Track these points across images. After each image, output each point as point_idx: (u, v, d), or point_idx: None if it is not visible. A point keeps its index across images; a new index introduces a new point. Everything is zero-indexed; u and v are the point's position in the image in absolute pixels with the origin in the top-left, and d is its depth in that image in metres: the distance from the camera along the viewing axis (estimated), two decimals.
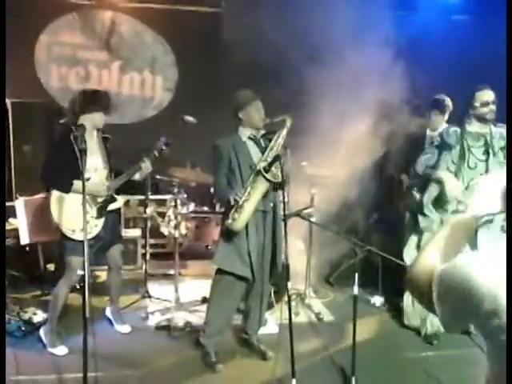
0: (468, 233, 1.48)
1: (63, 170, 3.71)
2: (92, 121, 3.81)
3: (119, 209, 4.31)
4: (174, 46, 6.73)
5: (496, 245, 1.34)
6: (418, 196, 4.24)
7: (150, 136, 4.24)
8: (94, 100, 3.84)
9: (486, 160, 3.96)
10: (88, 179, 3.74)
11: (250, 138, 3.69)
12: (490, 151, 3.95)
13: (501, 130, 3.98)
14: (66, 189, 3.76)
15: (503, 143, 3.95)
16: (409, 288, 1.48)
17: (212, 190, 5.19)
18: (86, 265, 2.74)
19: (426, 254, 1.41)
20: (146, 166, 3.96)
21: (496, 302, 1.17)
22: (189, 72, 6.54)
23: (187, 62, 6.56)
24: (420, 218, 4.14)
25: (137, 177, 4.04)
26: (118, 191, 4.10)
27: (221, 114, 5.51)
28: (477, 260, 1.26)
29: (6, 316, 4.11)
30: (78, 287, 4.70)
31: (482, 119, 3.94)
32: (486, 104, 3.90)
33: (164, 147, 4.04)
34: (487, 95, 3.91)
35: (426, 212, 4.09)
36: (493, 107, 3.91)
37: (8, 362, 3.60)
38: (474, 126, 3.99)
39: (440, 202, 4.03)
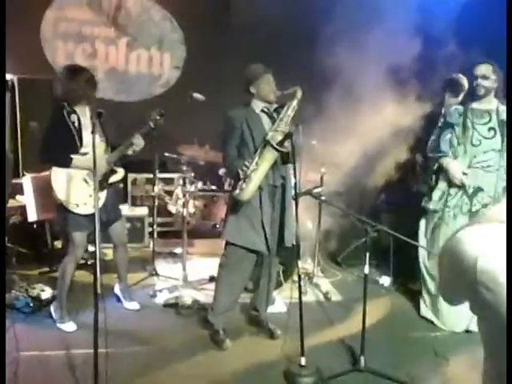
0: None
1: (60, 147, 3.71)
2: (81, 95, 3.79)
3: (119, 186, 4.26)
4: (181, 23, 6.65)
5: None
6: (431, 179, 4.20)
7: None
8: (79, 74, 3.81)
9: (493, 137, 3.90)
10: (85, 154, 3.72)
11: (263, 110, 3.65)
12: (497, 128, 3.90)
13: (503, 108, 3.95)
14: (65, 164, 3.75)
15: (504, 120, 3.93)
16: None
17: (220, 170, 5.15)
18: (97, 240, 2.72)
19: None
20: (138, 141, 3.90)
21: (475, 274, 1.12)
22: (197, 49, 6.47)
23: (195, 40, 6.49)
24: (430, 200, 4.11)
25: (129, 152, 3.97)
26: (125, 168, 4.07)
27: (229, 92, 5.48)
28: (474, 232, 1.19)
29: (15, 292, 4.12)
30: (86, 264, 4.73)
31: (479, 93, 3.90)
32: (483, 77, 3.85)
33: (158, 117, 3.97)
34: (484, 69, 3.86)
35: (435, 197, 4.07)
36: (489, 82, 3.86)
37: (14, 338, 3.62)
38: (478, 103, 3.94)
39: (451, 186, 4.00)
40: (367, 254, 3.38)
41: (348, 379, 3.31)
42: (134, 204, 6.03)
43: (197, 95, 4.59)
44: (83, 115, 3.82)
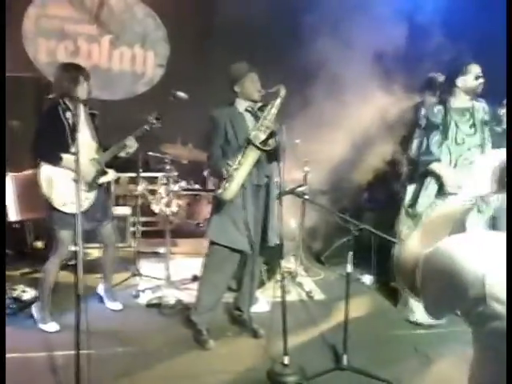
0: (457, 217, 1.43)
1: (52, 144, 3.70)
2: (81, 93, 3.79)
3: (110, 186, 4.25)
4: (165, 21, 6.62)
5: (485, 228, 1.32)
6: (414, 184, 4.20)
7: (142, 112, 4.18)
8: (76, 71, 3.82)
9: (474, 134, 3.96)
10: (76, 153, 3.69)
11: (247, 110, 3.65)
12: (477, 124, 3.96)
13: (483, 105, 4.02)
14: (56, 162, 3.73)
15: (486, 117, 3.98)
16: (396, 274, 1.45)
17: (205, 172, 5.14)
18: (79, 241, 2.69)
19: (412, 240, 1.38)
20: (131, 143, 3.91)
21: (483, 287, 1.10)
22: (181, 47, 6.44)
23: (179, 37, 6.46)
24: (415, 204, 4.13)
25: (122, 154, 3.98)
26: (108, 166, 4.05)
27: (213, 90, 5.47)
28: (462, 244, 1.19)
29: None
30: (68, 265, 4.69)
31: (470, 93, 3.95)
32: (478, 77, 3.91)
33: (155, 121, 3.98)
34: (477, 68, 3.92)
35: (422, 201, 4.07)
36: (482, 81, 3.93)
37: None
38: (458, 101, 3.99)
39: (441, 192, 4.00)
40: (350, 253, 3.40)
41: (331, 378, 3.33)
42: (116, 203, 5.99)
43: (180, 94, 4.55)
44: (78, 114, 3.79)
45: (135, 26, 6.59)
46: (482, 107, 4.00)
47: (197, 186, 5.26)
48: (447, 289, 1.17)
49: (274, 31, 6.17)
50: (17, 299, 4.08)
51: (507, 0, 4.36)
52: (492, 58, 4.28)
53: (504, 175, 1.38)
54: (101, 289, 4.31)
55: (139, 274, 4.84)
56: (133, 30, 6.58)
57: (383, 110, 4.80)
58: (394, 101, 4.76)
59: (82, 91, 3.80)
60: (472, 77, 3.90)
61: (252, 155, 3.48)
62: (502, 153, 1.42)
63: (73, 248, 2.78)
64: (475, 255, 1.13)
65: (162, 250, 5.36)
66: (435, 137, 4.02)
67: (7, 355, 3.38)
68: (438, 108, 4.03)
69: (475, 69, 3.91)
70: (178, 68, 6.39)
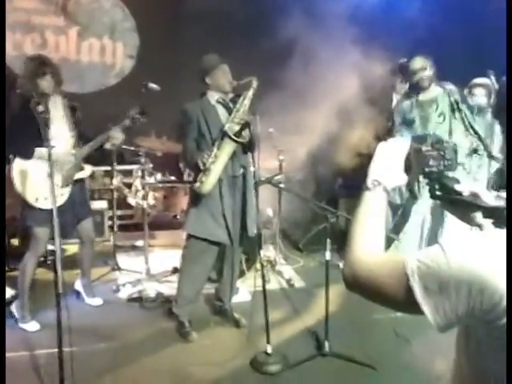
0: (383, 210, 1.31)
1: (23, 137, 3.63)
2: (44, 86, 3.73)
3: (84, 180, 4.19)
4: (133, 11, 6.53)
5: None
6: None
7: (114, 104, 4.14)
8: (43, 63, 3.77)
9: (443, 122, 4.05)
10: (52, 147, 3.65)
11: (218, 101, 3.64)
12: (444, 112, 4.05)
13: (450, 87, 4.09)
14: (28, 155, 3.67)
15: (449, 100, 4.06)
16: (366, 295, 1.20)
17: (180, 163, 5.13)
18: (57, 238, 2.66)
19: (361, 249, 1.21)
20: (116, 135, 3.85)
21: (495, 294, 1.00)
22: (151, 37, 6.36)
23: (148, 28, 6.38)
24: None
25: (108, 146, 3.92)
26: (87, 161, 4.01)
27: (185, 81, 5.42)
28: (470, 244, 1.06)
29: None
30: (45, 261, 4.64)
31: (416, 87, 4.06)
32: (422, 69, 4.00)
33: (138, 116, 3.91)
34: (420, 62, 4.01)
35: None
36: (424, 74, 4.01)
37: None
38: (423, 94, 4.09)
39: None
40: (328, 240, 3.44)
41: (313, 364, 3.38)
42: (92, 197, 5.92)
43: (152, 85, 4.50)
44: (53, 106, 3.73)
45: (103, 16, 6.48)
46: (447, 91, 4.09)
47: (173, 178, 5.24)
48: (471, 300, 1.02)
49: (243, 16, 6.14)
50: None
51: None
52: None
53: (412, 164, 1.33)
54: (79, 285, 4.27)
55: (118, 269, 4.82)
56: (101, 21, 6.48)
57: (357, 94, 4.81)
58: (369, 82, 4.77)
59: (46, 84, 3.73)
60: (411, 73, 4.02)
61: (228, 148, 3.49)
62: (404, 140, 1.39)
63: (51, 247, 2.74)
64: (489, 258, 1.02)
65: (139, 243, 5.36)
66: (405, 132, 4.12)
67: None
68: (407, 103, 4.16)
69: (415, 64, 4.01)
70: (148, 59, 6.32)
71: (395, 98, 5.09)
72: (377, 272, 1.15)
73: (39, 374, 3.26)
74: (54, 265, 2.64)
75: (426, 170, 1.37)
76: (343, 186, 5.84)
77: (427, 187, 1.42)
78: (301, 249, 5.48)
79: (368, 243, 1.22)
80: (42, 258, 4.44)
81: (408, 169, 1.35)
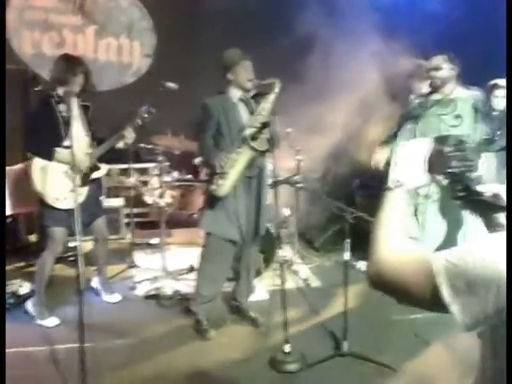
0: (410, 209, 1.37)
1: (45, 138, 3.66)
2: (72, 86, 3.74)
3: (100, 179, 4.22)
4: (150, 10, 6.55)
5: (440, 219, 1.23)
6: None
7: (130, 103, 4.15)
8: (74, 64, 3.80)
9: (459, 125, 3.97)
10: (70, 147, 3.66)
11: (240, 99, 3.63)
12: (464, 114, 3.97)
13: (475, 93, 4.01)
14: (49, 157, 3.68)
15: (476, 104, 3.99)
16: (391, 293, 1.21)
17: (196, 159, 5.13)
18: (79, 236, 2.67)
19: (385, 248, 1.21)
20: (130, 134, 3.88)
21: (504, 292, 1.01)
22: (168, 36, 6.38)
23: (165, 26, 6.39)
24: None
25: (121, 145, 3.96)
26: (100, 160, 4.02)
27: (203, 80, 5.43)
28: (495, 243, 1.07)
29: None
30: (62, 257, 4.65)
31: (435, 84, 3.99)
32: (436, 69, 3.94)
33: (146, 115, 3.94)
34: (437, 60, 3.95)
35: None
36: (443, 72, 3.95)
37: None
38: (440, 93, 4.02)
39: None
40: (347, 241, 3.43)
41: (332, 364, 3.36)
42: (108, 195, 5.95)
43: (169, 84, 4.52)
44: (72, 107, 3.75)
45: (120, 15, 6.51)
46: (473, 96, 4.00)
47: (189, 177, 5.24)
48: (498, 299, 1.03)
49: (261, 13, 6.14)
50: (14, 294, 4.05)
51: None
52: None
53: (435, 163, 1.34)
54: (96, 282, 4.29)
55: (135, 266, 4.82)
56: (118, 20, 6.51)
57: (378, 89, 4.80)
58: (390, 77, 4.75)
59: (77, 84, 3.76)
60: (430, 68, 3.96)
61: (247, 154, 3.48)
62: (425, 142, 1.39)
63: (72, 243, 2.75)
64: (500, 256, 1.03)
65: (154, 240, 5.37)
66: (407, 127, 4.07)
67: (7, 350, 3.40)
68: (419, 101, 4.09)
69: (432, 62, 3.96)
70: (165, 57, 6.34)
71: (412, 98, 5.07)
72: (402, 271, 1.15)
73: (57, 368, 3.27)
74: (76, 262, 2.64)
75: (448, 170, 1.37)
76: (360, 185, 5.81)
77: (438, 188, 1.44)
78: (317, 248, 5.46)
79: (391, 242, 1.23)
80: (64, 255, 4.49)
81: (429, 169, 1.35)
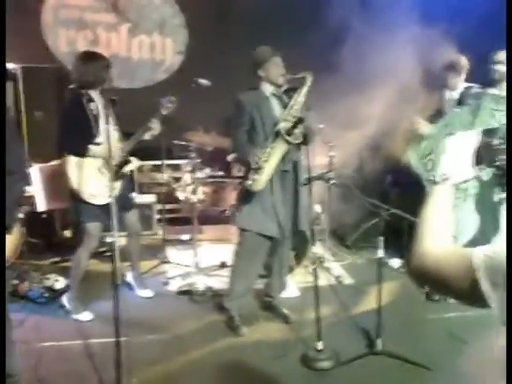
0: (451, 203, 1.33)
1: (78, 135, 3.70)
2: (97, 82, 3.79)
3: (130, 174, 4.25)
4: (182, 7, 6.56)
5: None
6: None
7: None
8: (94, 59, 3.82)
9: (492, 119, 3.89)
10: (100, 143, 3.72)
11: (273, 94, 3.63)
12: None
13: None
14: (83, 153, 3.74)
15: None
16: (432, 286, 1.26)
17: (229, 156, 5.14)
18: (115, 230, 2.70)
19: (429, 242, 1.22)
20: (156, 126, 3.91)
21: None
22: (199, 33, 6.37)
23: (197, 23, 6.40)
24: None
25: (146, 137, 3.98)
26: (131, 155, 4.06)
27: (234, 76, 5.43)
28: None
29: (29, 283, 4.12)
30: (97, 253, 4.71)
31: (496, 77, 3.88)
32: (500, 63, 3.84)
33: (169, 105, 3.95)
34: (501, 55, 3.85)
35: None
36: (503, 67, 3.85)
37: (34, 329, 3.64)
38: (497, 89, 3.91)
39: None
40: (381, 238, 3.39)
41: (365, 362, 3.33)
42: (140, 191, 6.01)
43: (202, 80, 4.55)
44: (99, 102, 3.80)
45: (153, 13, 6.55)
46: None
47: (221, 173, 5.25)
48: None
49: (293, 8, 6.11)
50: (49, 288, 4.12)
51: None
52: None
53: (483, 156, 1.34)
54: (130, 277, 4.33)
55: (167, 262, 4.86)
56: (151, 18, 6.54)
57: (413, 81, 4.71)
58: (420, 81, 4.67)
59: (102, 79, 3.80)
60: (500, 62, 3.85)
61: (281, 148, 3.47)
62: (473, 134, 1.38)
63: (109, 239, 2.78)
64: None
65: (185, 236, 5.41)
66: (454, 115, 3.98)
67: (44, 344, 3.48)
68: (475, 92, 3.99)
69: (498, 56, 3.85)
70: (197, 54, 6.35)
71: (447, 94, 4.97)
72: (444, 264, 1.16)
73: (93, 362, 3.31)
74: (111, 257, 2.67)
75: (496, 163, 1.34)
76: (393, 182, 5.73)
77: (477, 183, 1.42)
78: (349, 246, 5.41)
79: (436, 236, 1.23)
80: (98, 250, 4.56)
81: (477, 162, 1.33)
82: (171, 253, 5.05)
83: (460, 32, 4.59)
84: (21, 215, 2.89)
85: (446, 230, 1.25)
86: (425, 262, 1.19)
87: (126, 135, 3.96)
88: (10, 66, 5.35)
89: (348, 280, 4.68)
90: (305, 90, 3.52)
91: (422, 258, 1.21)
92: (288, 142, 3.45)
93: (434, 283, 1.21)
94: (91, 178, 3.75)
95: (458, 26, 4.60)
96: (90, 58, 3.84)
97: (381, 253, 3.40)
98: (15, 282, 4.04)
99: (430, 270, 1.18)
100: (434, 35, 4.51)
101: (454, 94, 4.63)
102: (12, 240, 2.67)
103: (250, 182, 3.48)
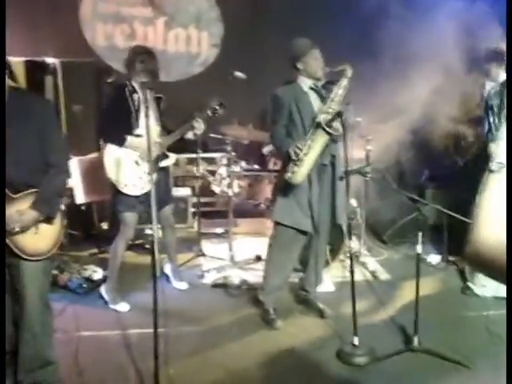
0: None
1: (118, 126, 3.76)
2: (144, 76, 3.82)
3: (168, 168, 4.29)
4: (218, 0, 6.56)
5: None
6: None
7: (198, 93, 4.20)
8: (146, 54, 3.89)
9: None
10: (140, 136, 3.76)
11: (311, 88, 3.60)
12: None
13: None
14: (120, 143, 3.79)
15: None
16: (488, 273, 1.32)
17: (264, 149, 5.13)
18: (154, 222, 2.72)
19: (486, 229, 1.27)
20: (200, 125, 3.93)
21: None
22: (235, 26, 6.37)
23: (233, 16, 6.38)
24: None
25: (189, 135, 4.02)
26: (169, 150, 4.09)
27: (269, 69, 5.41)
28: None
29: (68, 274, 4.20)
30: (132, 245, 4.78)
31: None
32: None
33: (218, 107, 3.98)
34: None
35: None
36: None
37: (73, 318, 3.72)
38: None
39: None
40: (419, 233, 3.33)
41: (401, 359, 3.29)
42: (175, 184, 6.05)
43: (238, 74, 4.56)
44: (143, 96, 3.84)
45: (189, 6, 6.56)
46: None
47: (256, 167, 5.25)
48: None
49: (330, 4, 6.04)
50: (88, 279, 4.20)
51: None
52: None
53: None
54: (168, 269, 4.37)
55: (203, 255, 4.89)
56: (187, 11, 6.56)
57: (448, 83, 4.63)
58: (459, 75, 4.59)
59: (149, 73, 3.83)
60: None
61: (321, 139, 3.44)
62: None
63: (148, 231, 2.81)
64: None
65: (219, 230, 5.44)
66: (490, 118, 3.91)
67: (83, 333, 3.55)
68: (495, 91, 3.90)
69: None
70: (232, 47, 6.34)
71: (488, 85, 4.85)
72: (500, 251, 1.18)
73: (130, 352, 3.37)
74: (152, 249, 2.69)
75: None
76: (430, 177, 5.65)
77: None
78: (385, 241, 5.35)
79: (492, 223, 1.26)
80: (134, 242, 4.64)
81: None
82: (206, 246, 5.07)
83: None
84: (63, 207, 2.89)
85: (503, 217, 1.25)
86: (480, 249, 1.23)
87: (165, 129, 3.99)
88: (49, 60, 5.45)
89: (384, 275, 4.63)
90: (344, 82, 3.49)
91: (477, 245, 1.24)
92: (329, 134, 3.43)
93: (490, 269, 1.25)
94: (127, 169, 3.81)
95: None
96: (141, 51, 3.91)
97: (419, 248, 3.35)
98: (55, 272, 4.12)
99: (486, 257, 1.22)
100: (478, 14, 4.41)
101: (495, 86, 4.52)
102: (55, 231, 2.72)
103: (289, 175, 3.47)
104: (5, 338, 2.68)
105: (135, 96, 3.80)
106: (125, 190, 3.80)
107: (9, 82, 2.62)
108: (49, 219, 2.68)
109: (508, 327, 1.04)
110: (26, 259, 2.62)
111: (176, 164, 6.02)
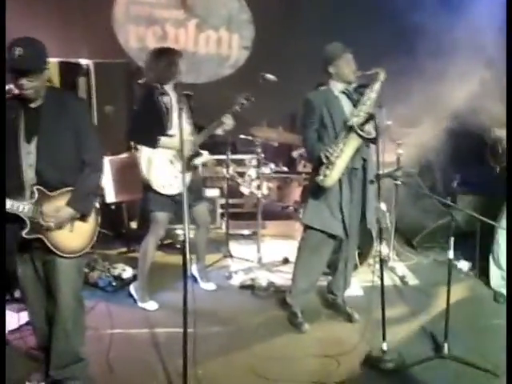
0: None
1: (150, 128, 3.80)
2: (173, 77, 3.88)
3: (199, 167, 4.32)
4: (249, 2, 6.58)
5: None
6: None
7: (228, 95, 4.21)
8: (173, 55, 3.92)
9: None
10: (172, 136, 3.79)
11: (343, 92, 3.58)
12: None
13: None
14: (153, 145, 3.82)
15: None
16: None
17: (294, 152, 5.13)
18: (186, 222, 2.73)
19: None
20: (229, 120, 3.95)
21: None
22: (266, 29, 6.39)
23: (264, 19, 6.41)
24: None
25: (219, 132, 4.04)
26: (201, 148, 4.11)
27: (300, 72, 5.41)
28: None
29: (98, 272, 4.25)
30: (162, 244, 4.81)
31: None
32: None
33: (245, 101, 4.00)
34: None
35: None
36: None
37: (103, 316, 3.77)
38: None
39: None
40: (452, 239, 3.29)
41: (430, 366, 3.25)
42: (204, 185, 6.07)
43: (269, 76, 4.57)
44: (172, 96, 3.89)
45: (220, 9, 6.60)
46: None
47: (285, 169, 5.24)
48: None
49: (362, 8, 6.01)
50: (118, 277, 4.25)
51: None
52: None
53: None
54: (195, 269, 4.39)
55: (230, 256, 4.90)
56: (218, 13, 6.60)
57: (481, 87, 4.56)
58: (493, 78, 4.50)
59: (174, 74, 3.88)
60: None
61: (353, 143, 3.43)
62: None
63: (179, 231, 2.83)
64: None
65: (247, 231, 5.45)
66: None
67: (113, 331, 3.59)
68: None
69: None
70: (263, 50, 6.36)
71: None
72: None
73: (158, 351, 3.39)
74: (183, 249, 2.71)
75: None
76: (462, 182, 5.56)
77: None
78: (414, 246, 5.29)
79: None
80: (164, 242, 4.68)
81: None
82: (234, 247, 5.08)
83: None
84: (97, 205, 2.93)
85: None
86: None
87: (196, 128, 4.02)
88: (83, 61, 5.54)
89: (413, 281, 4.58)
90: (377, 86, 3.47)
91: None
92: (361, 137, 3.41)
93: None
94: (162, 169, 3.85)
95: None
96: (163, 53, 3.94)
97: (451, 254, 3.31)
98: (85, 270, 4.18)
99: None
100: None
101: None
102: (89, 229, 2.76)
103: (321, 178, 3.46)
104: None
105: (165, 98, 3.84)
106: (161, 190, 3.84)
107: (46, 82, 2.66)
108: (83, 217, 2.73)
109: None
110: (61, 256, 2.67)
111: (205, 165, 6.06)
